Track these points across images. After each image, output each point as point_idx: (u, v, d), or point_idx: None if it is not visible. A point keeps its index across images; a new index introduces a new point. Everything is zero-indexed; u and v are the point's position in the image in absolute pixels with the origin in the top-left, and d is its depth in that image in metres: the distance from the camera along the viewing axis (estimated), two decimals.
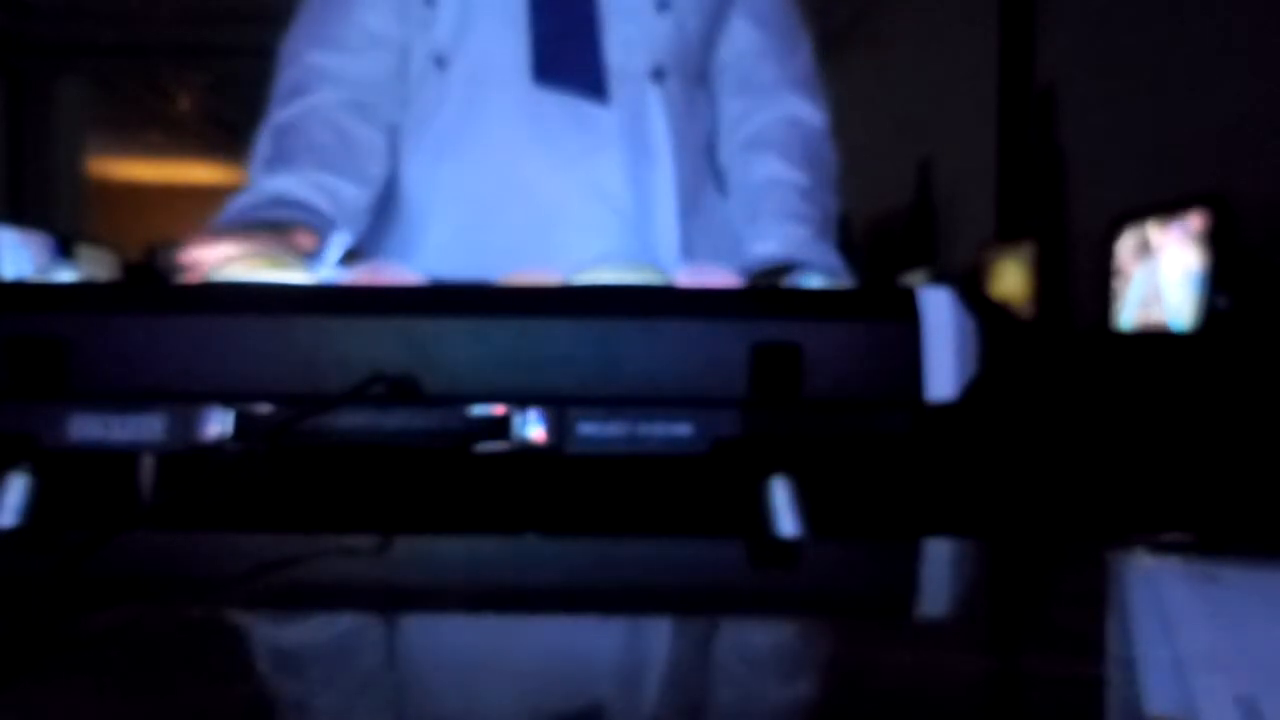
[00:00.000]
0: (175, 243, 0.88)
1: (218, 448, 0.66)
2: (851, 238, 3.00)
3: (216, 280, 0.75)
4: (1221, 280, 2.32)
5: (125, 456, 0.74)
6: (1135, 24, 3.12)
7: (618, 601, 0.56)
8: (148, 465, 0.88)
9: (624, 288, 0.70)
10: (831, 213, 1.10)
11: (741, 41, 1.13)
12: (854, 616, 0.53)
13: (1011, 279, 3.41)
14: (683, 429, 0.67)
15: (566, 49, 1.06)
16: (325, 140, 1.04)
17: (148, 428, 0.66)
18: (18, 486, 0.69)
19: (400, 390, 0.65)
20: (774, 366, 0.66)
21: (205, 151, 8.17)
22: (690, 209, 1.09)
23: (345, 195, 1.03)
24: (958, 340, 0.68)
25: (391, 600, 0.55)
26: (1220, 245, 2.34)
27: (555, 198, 1.05)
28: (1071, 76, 3.49)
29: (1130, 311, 2.65)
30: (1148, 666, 0.40)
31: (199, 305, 0.68)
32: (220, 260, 0.80)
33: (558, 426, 0.67)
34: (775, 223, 1.05)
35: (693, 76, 1.11)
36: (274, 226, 0.93)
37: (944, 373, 0.68)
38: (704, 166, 1.13)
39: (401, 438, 0.67)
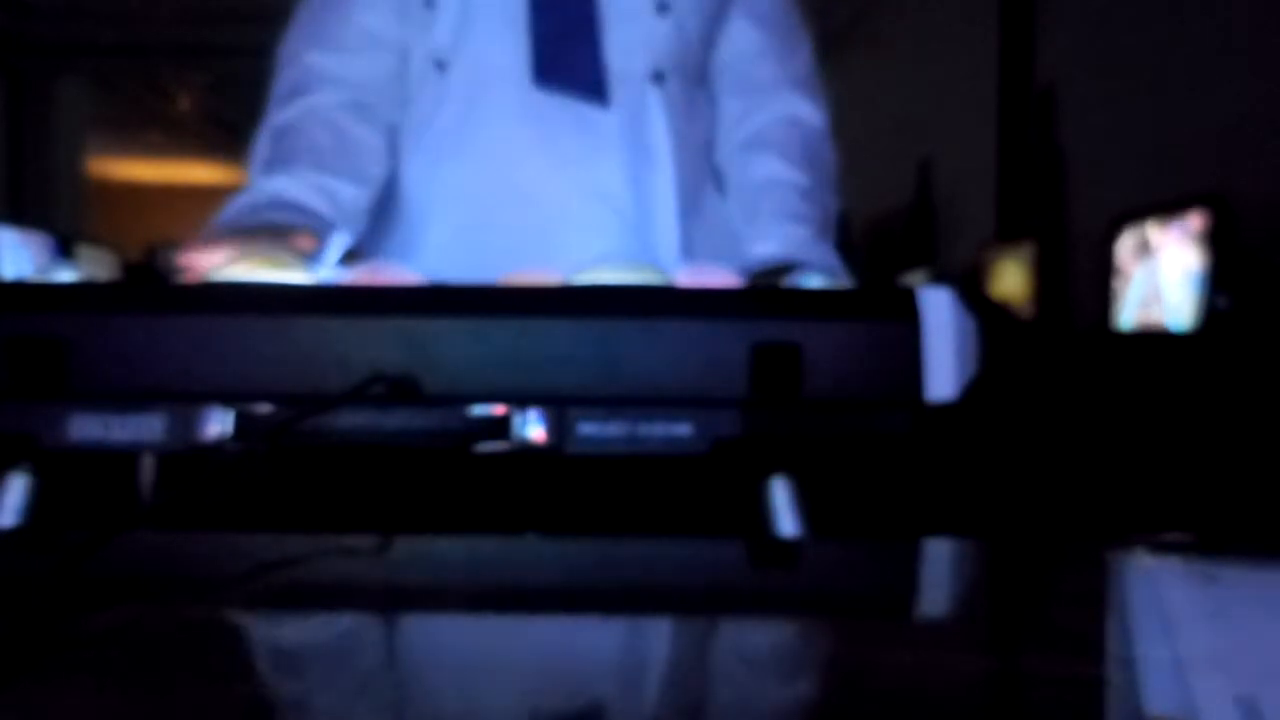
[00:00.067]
0: (175, 243, 0.89)
1: (218, 448, 0.66)
2: (851, 238, 3.00)
3: (216, 280, 0.75)
4: (1221, 280, 2.32)
5: (125, 456, 0.74)
6: (1135, 24, 3.12)
7: (618, 601, 0.56)
8: (148, 465, 0.88)
9: (624, 288, 0.70)
10: (831, 213, 1.10)
11: (741, 41, 1.13)
12: (854, 616, 0.53)
13: (1011, 279, 3.41)
14: (683, 429, 0.67)
15: (566, 51, 1.06)
16: (324, 141, 1.04)
17: (148, 428, 0.66)
18: (18, 486, 0.69)
19: (400, 390, 0.65)
20: (774, 366, 0.66)
21: (205, 151, 8.17)
22: (690, 210, 1.09)
23: (344, 196, 1.03)
24: (958, 340, 0.68)
25: (391, 600, 0.55)
26: (1220, 245, 2.34)
27: (555, 199, 1.05)
28: (1071, 76, 3.50)
29: (1130, 311, 2.65)
30: (1148, 666, 0.40)
31: (199, 305, 0.68)
32: (220, 264, 0.80)
33: (558, 426, 0.67)
34: (775, 223, 1.05)
35: (693, 77, 1.11)
36: (273, 230, 0.93)
37: (944, 373, 0.68)
38: (704, 167, 1.13)
39: (401, 438, 0.67)
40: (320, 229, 0.97)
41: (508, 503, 0.82)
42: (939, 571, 0.67)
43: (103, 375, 0.66)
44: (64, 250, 3.62)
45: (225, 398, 0.66)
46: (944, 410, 0.68)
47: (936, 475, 1.26)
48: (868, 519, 0.85)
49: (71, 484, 0.71)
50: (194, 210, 1.18)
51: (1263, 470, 1.56)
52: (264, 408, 0.66)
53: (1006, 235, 3.68)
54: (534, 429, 0.67)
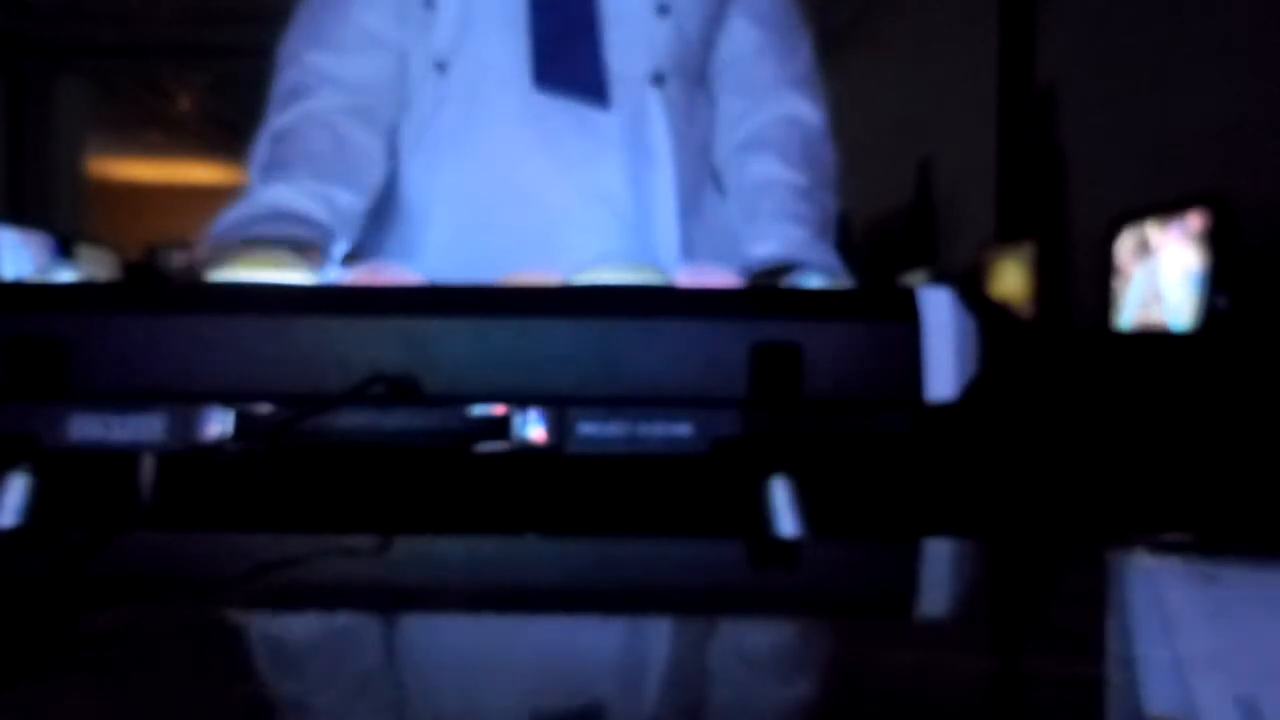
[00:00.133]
0: (175, 243, 0.88)
1: (218, 448, 0.66)
2: (851, 238, 3.00)
3: (216, 280, 0.75)
4: (1221, 280, 2.32)
5: (125, 456, 0.74)
6: (1135, 24, 3.12)
7: (618, 601, 0.56)
8: (148, 465, 0.88)
9: (624, 288, 0.70)
10: (831, 213, 1.10)
11: (741, 41, 1.13)
12: (854, 616, 0.53)
13: (1011, 279, 3.41)
14: (683, 429, 0.67)
15: (566, 52, 1.06)
16: (322, 147, 1.04)
17: (148, 428, 0.66)
18: (18, 486, 0.69)
19: (400, 390, 0.65)
20: (774, 366, 0.66)
21: (205, 151, 8.17)
22: (690, 210, 1.09)
23: (342, 202, 1.02)
24: (958, 340, 0.68)
25: (391, 600, 0.55)
26: (1220, 245, 2.34)
27: (556, 201, 1.05)
28: (1071, 76, 3.50)
29: (1130, 311, 2.65)
30: (1148, 666, 0.40)
31: (199, 305, 0.68)
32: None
33: (558, 426, 0.67)
34: (774, 223, 1.05)
35: (693, 78, 1.11)
36: (275, 246, 0.92)
37: (944, 373, 0.68)
38: (704, 168, 1.13)
39: (401, 438, 0.67)
40: (321, 238, 0.97)
41: (508, 503, 0.82)
42: (939, 571, 0.67)
43: (103, 375, 0.66)
44: (64, 250, 3.62)
45: (225, 398, 0.66)
46: (944, 410, 0.68)
47: (936, 475, 1.26)
48: (868, 519, 0.85)
49: (71, 484, 0.71)
50: (194, 210, 1.18)
51: (1263, 470, 1.56)
52: (264, 408, 0.66)
53: (1006, 235, 3.68)
54: (534, 429, 0.67)
